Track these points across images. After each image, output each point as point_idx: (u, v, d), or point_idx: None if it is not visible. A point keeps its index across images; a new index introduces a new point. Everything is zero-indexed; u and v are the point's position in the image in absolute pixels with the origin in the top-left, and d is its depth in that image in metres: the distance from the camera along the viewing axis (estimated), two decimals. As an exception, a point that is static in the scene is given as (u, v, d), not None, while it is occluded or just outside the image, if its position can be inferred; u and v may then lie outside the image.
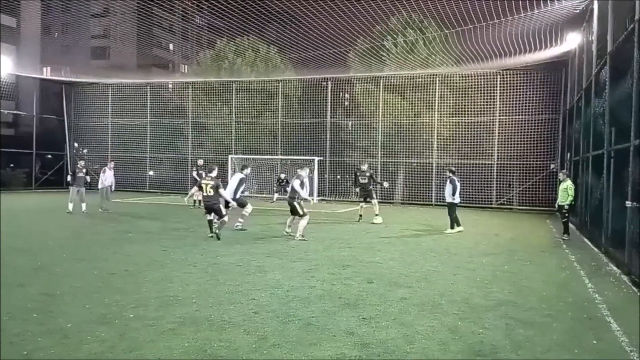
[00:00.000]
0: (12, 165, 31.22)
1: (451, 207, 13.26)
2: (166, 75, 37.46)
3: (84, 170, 16.24)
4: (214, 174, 11.59)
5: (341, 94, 26.26)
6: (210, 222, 11.52)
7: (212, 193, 11.31)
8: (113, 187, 17.84)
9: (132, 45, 52.74)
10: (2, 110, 29.23)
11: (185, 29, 59.37)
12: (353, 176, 17.03)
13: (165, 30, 58.72)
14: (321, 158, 24.68)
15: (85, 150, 29.34)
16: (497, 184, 22.24)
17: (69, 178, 16.43)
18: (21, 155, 29.92)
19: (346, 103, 26.64)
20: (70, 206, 15.85)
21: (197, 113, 27.79)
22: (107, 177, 17.23)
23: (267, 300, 6.20)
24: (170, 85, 30.91)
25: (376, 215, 15.07)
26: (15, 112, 35.12)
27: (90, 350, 4.39)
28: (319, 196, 24.11)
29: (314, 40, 23.98)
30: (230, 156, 25.50)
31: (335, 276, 7.67)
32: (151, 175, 28.20)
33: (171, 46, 60.07)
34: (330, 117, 25.30)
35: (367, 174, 15.25)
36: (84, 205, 15.97)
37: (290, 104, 26.58)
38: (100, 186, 17.29)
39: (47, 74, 36.53)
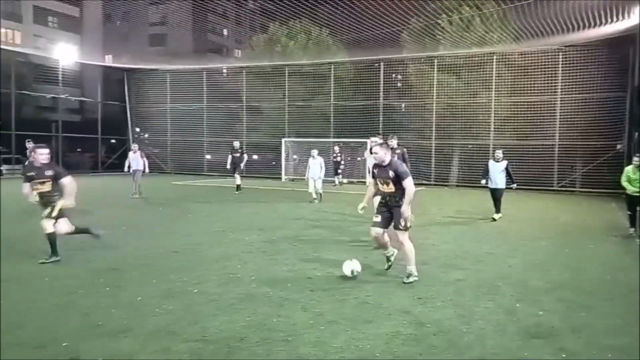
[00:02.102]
0: (79, 149, 33.04)
1: (503, 192, 12.52)
2: (221, 60, 38.09)
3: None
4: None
5: (394, 75, 25.91)
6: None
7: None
8: (146, 170, 16.94)
9: (188, 31, 54.01)
10: (68, 97, 30.79)
11: (238, 13, 60.12)
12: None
13: (219, 16, 59.65)
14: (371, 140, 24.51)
15: (146, 135, 30.58)
16: (558, 165, 21.41)
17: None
18: (87, 140, 31.57)
19: (399, 84, 26.28)
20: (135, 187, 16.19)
21: (252, 97, 28.26)
22: (134, 161, 16.57)
23: (324, 279, 6.34)
24: (224, 70, 31.54)
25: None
26: (80, 98, 36.96)
27: (158, 322, 4.67)
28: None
29: (367, 21, 23.67)
30: (283, 139, 25.86)
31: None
32: (208, 158, 29.06)
33: (225, 31, 61.00)
34: (383, 99, 25.07)
35: (398, 152, 12.35)
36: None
37: (343, 87, 26.51)
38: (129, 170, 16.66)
39: (109, 61, 38.06)
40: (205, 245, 8.51)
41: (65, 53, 28.85)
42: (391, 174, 6.11)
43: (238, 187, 18.05)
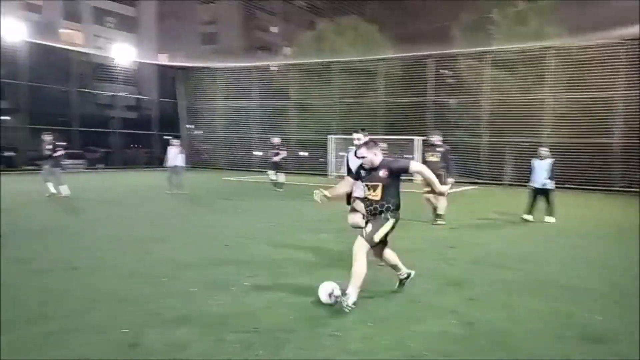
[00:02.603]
0: (136, 145, 34.34)
1: (549, 192, 11.74)
2: (269, 58, 38.59)
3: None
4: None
5: (443, 71, 25.48)
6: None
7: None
8: (182, 165, 16.34)
9: (238, 29, 54.99)
10: (125, 95, 32.08)
11: (286, 11, 60.66)
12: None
13: (267, 13, 60.39)
14: (424, 138, 24.23)
15: (198, 132, 31.42)
16: (619, 165, 20.45)
17: (44, 158, 14.70)
18: (143, 136, 32.82)
19: (449, 80, 25.81)
20: (50, 187, 14.28)
21: (299, 94, 28.50)
22: (171, 157, 16.09)
23: (372, 277, 6.35)
24: (273, 68, 31.96)
25: (438, 215, 10.74)
26: (137, 96, 38.42)
27: (213, 312, 4.84)
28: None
29: (416, 16, 23.30)
30: (329, 136, 25.98)
31: (440, 256, 7.65)
32: (258, 155, 29.58)
33: (274, 29, 61.73)
34: (432, 96, 24.69)
35: (441, 149, 10.85)
36: (63, 188, 14.25)
37: (391, 83, 26.30)
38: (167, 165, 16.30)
39: (163, 60, 39.35)
40: (255, 239, 8.70)
41: (122, 52, 30.01)
42: (382, 173, 5.17)
43: (278, 184, 17.42)
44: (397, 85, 26.17)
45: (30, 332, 4.28)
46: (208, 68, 31.22)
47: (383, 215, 5.18)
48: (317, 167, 27.08)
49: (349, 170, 6.38)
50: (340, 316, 4.79)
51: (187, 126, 32.23)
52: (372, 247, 5.19)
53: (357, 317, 4.77)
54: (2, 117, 36.24)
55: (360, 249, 5.10)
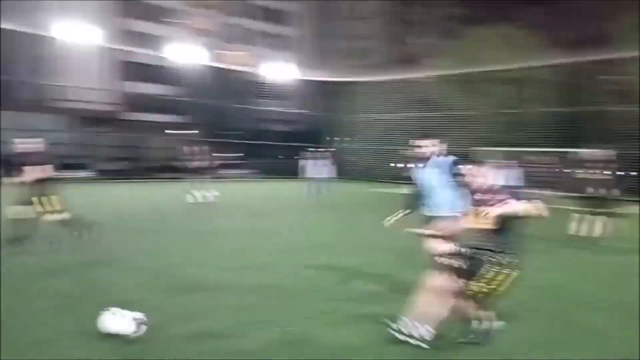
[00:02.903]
0: (297, 156, 36.83)
1: None
2: (421, 70, 38.66)
3: (326, 161, 16.06)
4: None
5: (609, 76, 23.21)
6: None
7: None
8: (328, 176, 16.74)
9: (390, 43, 55.79)
10: (284, 110, 34.60)
11: (434, 21, 59.86)
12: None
13: (415, 25, 60.22)
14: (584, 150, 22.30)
15: (350, 144, 32.67)
16: None
17: (184, 168, 15.41)
18: (299, 149, 35.10)
19: (617, 87, 23.50)
20: (192, 196, 14.61)
21: (449, 105, 28.08)
22: (315, 169, 16.54)
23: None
24: (424, 80, 31.85)
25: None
26: (293, 110, 41.23)
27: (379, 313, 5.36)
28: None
29: (574, 18, 21.70)
30: (475, 148, 25.18)
31: None
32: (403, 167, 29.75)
33: (422, 40, 61.31)
34: (596, 104, 22.63)
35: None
36: (208, 194, 14.61)
37: (547, 92, 24.66)
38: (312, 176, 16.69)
39: (319, 76, 41.72)
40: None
41: (281, 70, 32.53)
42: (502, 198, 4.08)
43: None
44: (554, 93, 24.48)
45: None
46: (358, 82, 32.30)
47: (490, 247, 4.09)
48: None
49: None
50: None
51: (339, 139, 33.65)
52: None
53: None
54: (184, 132, 41.67)
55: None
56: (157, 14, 44.91)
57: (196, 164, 14.40)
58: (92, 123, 30.09)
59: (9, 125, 29.60)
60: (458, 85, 27.91)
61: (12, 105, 32.98)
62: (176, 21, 46.58)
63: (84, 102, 29.22)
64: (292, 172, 33.88)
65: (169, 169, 32.03)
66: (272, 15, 53.62)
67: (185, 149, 14.89)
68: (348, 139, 33.44)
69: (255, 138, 30.64)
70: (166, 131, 39.30)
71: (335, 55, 56.91)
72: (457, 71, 28.18)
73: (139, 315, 4.38)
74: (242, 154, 32.31)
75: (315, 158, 16.81)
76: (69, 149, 32.64)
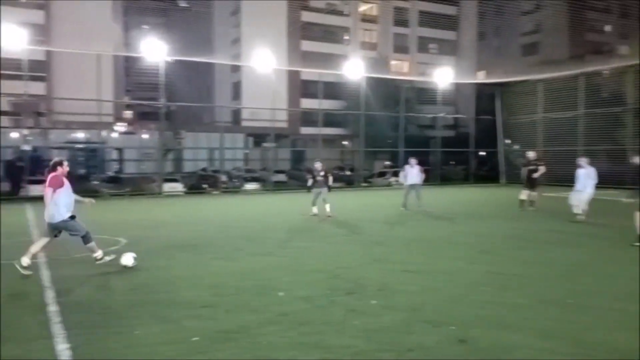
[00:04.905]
0: (453, 162, 35.79)
1: None
2: (601, 61, 34.56)
3: (322, 173, 14.56)
4: None
5: None
6: None
7: None
8: (420, 183, 16.29)
9: (563, 35, 51.17)
10: (444, 115, 33.85)
11: (624, 4, 53.12)
12: None
13: (600, 12, 54.15)
14: None
15: (516, 147, 30.59)
16: None
17: (309, 182, 14.98)
18: (460, 154, 33.97)
19: None
20: (315, 209, 14.24)
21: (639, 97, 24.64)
22: (409, 175, 16.26)
23: None
24: (605, 72, 28.52)
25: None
26: (455, 115, 40.06)
27: (537, 323, 4.92)
28: None
29: None
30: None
31: None
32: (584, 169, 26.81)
33: (607, 27, 54.81)
34: None
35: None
36: (328, 207, 14.10)
37: None
38: (405, 184, 16.56)
39: (481, 77, 39.99)
40: (590, 263, 8.18)
41: (442, 75, 31.84)
42: None
43: (528, 202, 15.32)
44: None
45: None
46: (527, 81, 30.13)
47: None
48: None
49: None
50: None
51: (505, 141, 31.75)
52: None
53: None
54: (343, 142, 43.29)
55: None
56: (326, 34, 47.56)
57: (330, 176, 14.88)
58: (268, 140, 32.87)
59: (202, 144, 34.36)
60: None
61: (206, 128, 37.92)
62: (344, 38, 48.74)
63: (263, 120, 32.19)
64: (460, 177, 33.00)
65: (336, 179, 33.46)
66: (433, 20, 52.85)
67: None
68: (510, 141, 31.29)
69: (420, 145, 30.35)
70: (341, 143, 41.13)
71: (505, 54, 53.92)
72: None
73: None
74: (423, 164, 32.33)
75: (410, 165, 16.35)
76: (247, 164, 36.30)
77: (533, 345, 4.35)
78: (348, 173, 35.80)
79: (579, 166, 13.19)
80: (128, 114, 40.06)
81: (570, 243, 9.86)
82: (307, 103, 40.90)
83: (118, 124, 34.55)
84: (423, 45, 53.32)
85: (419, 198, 16.07)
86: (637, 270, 7.17)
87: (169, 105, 29.55)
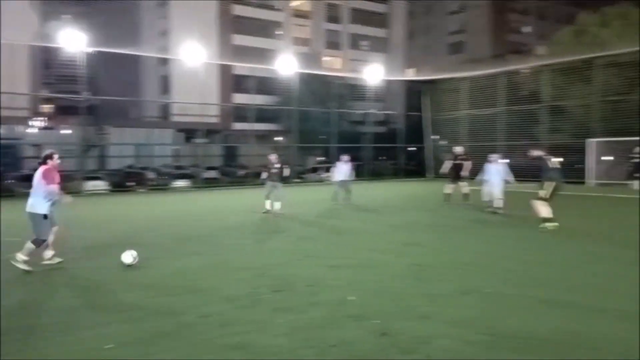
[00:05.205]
0: (383, 157, 36.58)
1: None
2: (520, 61, 36.50)
3: (277, 165, 14.03)
4: None
5: None
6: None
7: None
8: (350, 179, 16.60)
9: (486, 35, 53.55)
10: (374, 111, 34.51)
11: (542, 6, 56.41)
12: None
13: (520, 13, 57.17)
14: None
15: (443, 142, 31.73)
16: None
17: (263, 175, 14.39)
18: (390, 149, 34.77)
19: None
20: (268, 205, 13.68)
21: (553, 96, 26.29)
22: (338, 171, 16.53)
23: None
24: (524, 71, 30.18)
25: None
26: (385, 112, 40.94)
27: (455, 314, 5.07)
28: None
29: None
30: (587, 140, 23.34)
31: None
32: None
33: (526, 29, 58.04)
34: None
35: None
36: (277, 205, 13.66)
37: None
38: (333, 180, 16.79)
39: (410, 75, 41.11)
40: (504, 250, 8.58)
41: (373, 72, 32.39)
42: None
43: (463, 196, 15.71)
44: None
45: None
46: (453, 78, 31.33)
47: None
48: (572, 174, 24.44)
49: None
50: (599, 331, 4.47)
51: (432, 137, 32.85)
52: None
53: (618, 333, 4.38)
54: (277, 138, 43.10)
55: None
56: (258, 28, 46.96)
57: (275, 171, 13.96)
58: (199, 135, 32.06)
59: (128, 140, 32.93)
60: (565, 73, 25.93)
61: (132, 123, 36.42)
62: (276, 33, 48.37)
63: (194, 116, 31.28)
64: (390, 172, 33.75)
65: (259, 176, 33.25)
66: (365, 18, 53.65)
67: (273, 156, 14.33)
68: (437, 137, 32.50)
69: (351, 141, 30.71)
70: (267, 139, 40.84)
71: (433, 52, 55.70)
72: (565, 58, 26.19)
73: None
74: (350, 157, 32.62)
75: (340, 161, 16.63)
76: (176, 161, 35.23)
77: (450, 334, 4.48)
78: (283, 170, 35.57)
79: (489, 161, 13.89)
80: (47, 108, 37.71)
81: (488, 234, 10.35)
82: (239, 98, 40.33)
83: (35, 118, 32.42)
84: (355, 42, 54.04)
85: (348, 193, 16.35)
86: (545, 255, 7.65)
87: (90, 99, 28.04)
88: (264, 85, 37.08)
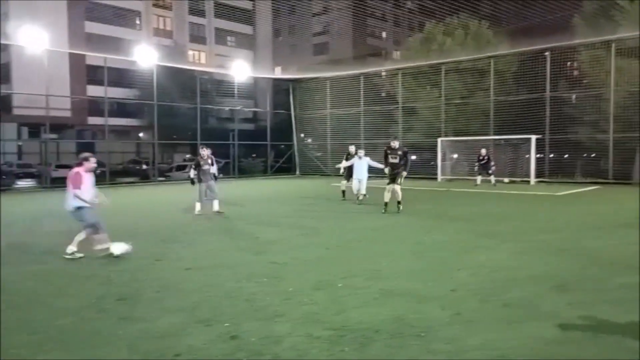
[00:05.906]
0: (253, 155, 36.47)
1: None
2: (379, 64, 38.75)
3: (210, 161, 12.93)
4: None
5: (563, 64, 23.76)
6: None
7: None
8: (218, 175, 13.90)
9: (348, 38, 55.91)
10: (242, 108, 34.23)
11: (397, 14, 60.45)
12: (383, 153, 13.00)
13: (378, 19, 60.62)
14: (539, 136, 22.83)
15: (309, 140, 32.50)
16: None
17: (191, 174, 13.19)
18: (259, 146, 34.74)
19: (575, 72, 24.21)
20: (199, 206, 12.85)
21: (407, 98, 28.32)
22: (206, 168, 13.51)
23: (467, 279, 6.28)
24: (382, 73, 32.08)
25: (398, 202, 12.47)
26: (253, 109, 40.83)
27: (306, 310, 5.15)
28: (536, 177, 22.38)
29: (533, 7, 22.12)
30: (439, 139, 25.52)
31: (547, 259, 7.29)
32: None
33: (384, 34, 61.81)
34: (550, 91, 23.16)
35: (399, 152, 12.58)
36: (216, 204, 12.93)
37: (504, 81, 25.15)
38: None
39: (277, 73, 41.43)
40: (354, 242, 8.95)
41: (240, 69, 32.02)
42: None
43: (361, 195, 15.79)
44: (510, 82, 25.01)
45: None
46: (317, 78, 32.22)
47: None
48: (427, 170, 26.66)
49: None
50: (427, 318, 4.83)
51: (300, 135, 33.50)
52: None
53: (445, 319, 4.77)
54: (140, 134, 40.74)
55: None
56: (116, 17, 43.78)
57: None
58: (46, 130, 29.00)
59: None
60: (416, 77, 28.10)
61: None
62: (136, 23, 45.53)
63: (40, 109, 28.09)
64: (259, 170, 33.69)
65: (123, 174, 31.29)
66: (229, 13, 52.87)
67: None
68: (303, 135, 33.34)
69: (220, 138, 30.03)
70: (126, 135, 38.38)
71: (299, 52, 56.72)
72: (415, 63, 28.37)
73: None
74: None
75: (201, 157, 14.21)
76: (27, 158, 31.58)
77: (299, 332, 4.53)
78: (144, 167, 33.82)
79: (358, 157, 14.84)
80: None
81: (348, 226, 10.76)
82: (94, 90, 37.27)
83: None
84: (220, 37, 53.06)
85: (212, 190, 15.78)
86: (387, 247, 8.17)
87: None
88: (122, 77, 34.73)
